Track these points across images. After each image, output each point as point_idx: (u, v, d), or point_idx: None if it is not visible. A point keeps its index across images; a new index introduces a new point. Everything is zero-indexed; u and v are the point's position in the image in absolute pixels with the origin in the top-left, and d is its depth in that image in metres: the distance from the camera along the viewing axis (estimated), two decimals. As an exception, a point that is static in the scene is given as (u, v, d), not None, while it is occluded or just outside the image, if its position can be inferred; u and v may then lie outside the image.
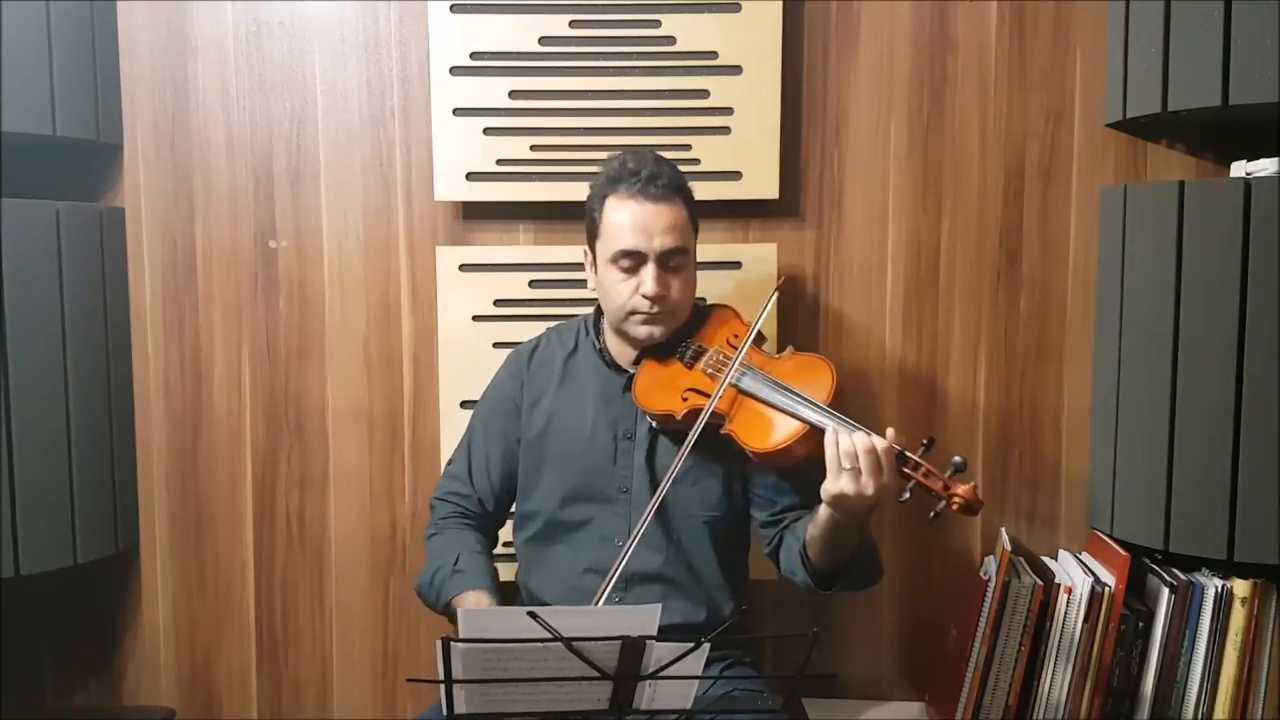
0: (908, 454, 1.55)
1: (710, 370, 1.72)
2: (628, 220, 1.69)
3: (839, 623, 2.18)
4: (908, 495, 1.55)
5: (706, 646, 1.29)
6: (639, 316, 1.72)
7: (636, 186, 1.69)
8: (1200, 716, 1.90)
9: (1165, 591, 1.92)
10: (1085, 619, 1.91)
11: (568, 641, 1.25)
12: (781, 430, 1.63)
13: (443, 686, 1.27)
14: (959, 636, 2.04)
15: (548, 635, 1.24)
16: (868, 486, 1.51)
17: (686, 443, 1.64)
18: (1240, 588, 1.89)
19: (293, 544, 2.24)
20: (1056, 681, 1.93)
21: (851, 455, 1.52)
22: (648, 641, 1.26)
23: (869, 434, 1.54)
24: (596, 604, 1.56)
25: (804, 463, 1.63)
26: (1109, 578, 1.94)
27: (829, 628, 2.15)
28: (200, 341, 2.21)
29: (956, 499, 1.52)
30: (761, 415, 1.66)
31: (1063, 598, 1.93)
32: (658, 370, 1.76)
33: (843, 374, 2.13)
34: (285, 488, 2.23)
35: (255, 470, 2.23)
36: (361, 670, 2.25)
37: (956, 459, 1.53)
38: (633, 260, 1.70)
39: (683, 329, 1.78)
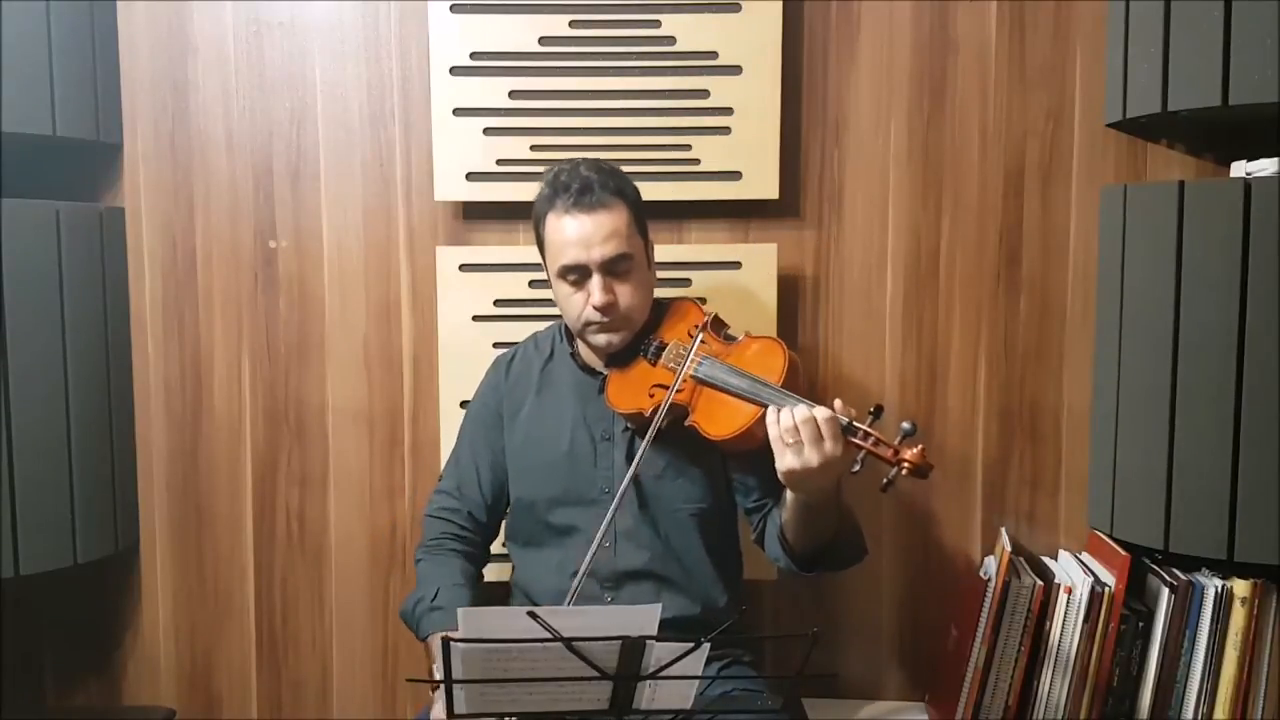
0: (856, 424, 1.55)
1: (671, 364, 1.73)
2: (567, 235, 1.69)
3: (839, 623, 2.18)
4: (859, 466, 1.54)
5: (706, 646, 1.29)
6: (594, 327, 1.73)
7: (570, 201, 1.69)
8: (1200, 716, 1.90)
9: (1165, 591, 1.92)
10: (1085, 619, 1.91)
11: (568, 641, 1.25)
12: (739, 415, 1.63)
13: (443, 686, 1.27)
14: (959, 636, 2.04)
15: (548, 635, 1.24)
16: (811, 458, 1.50)
17: (648, 437, 1.64)
18: (1240, 588, 1.89)
19: (293, 544, 2.24)
20: (1056, 681, 1.93)
21: (791, 429, 1.52)
22: (648, 641, 1.26)
23: (809, 406, 1.54)
24: (568, 603, 1.56)
25: (770, 445, 1.63)
26: (1109, 578, 1.94)
27: (829, 628, 2.15)
28: (200, 341, 2.21)
29: (905, 464, 1.52)
30: (720, 402, 1.66)
31: (1063, 598, 1.93)
32: (626, 371, 1.77)
33: (842, 372, 2.14)
34: (285, 488, 2.23)
35: (255, 470, 2.23)
36: (361, 670, 2.25)
37: (905, 424, 1.52)
38: (578, 274, 1.70)
39: (645, 328, 1.78)
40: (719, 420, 1.65)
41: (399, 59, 2.14)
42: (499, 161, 2.07)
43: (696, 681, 1.33)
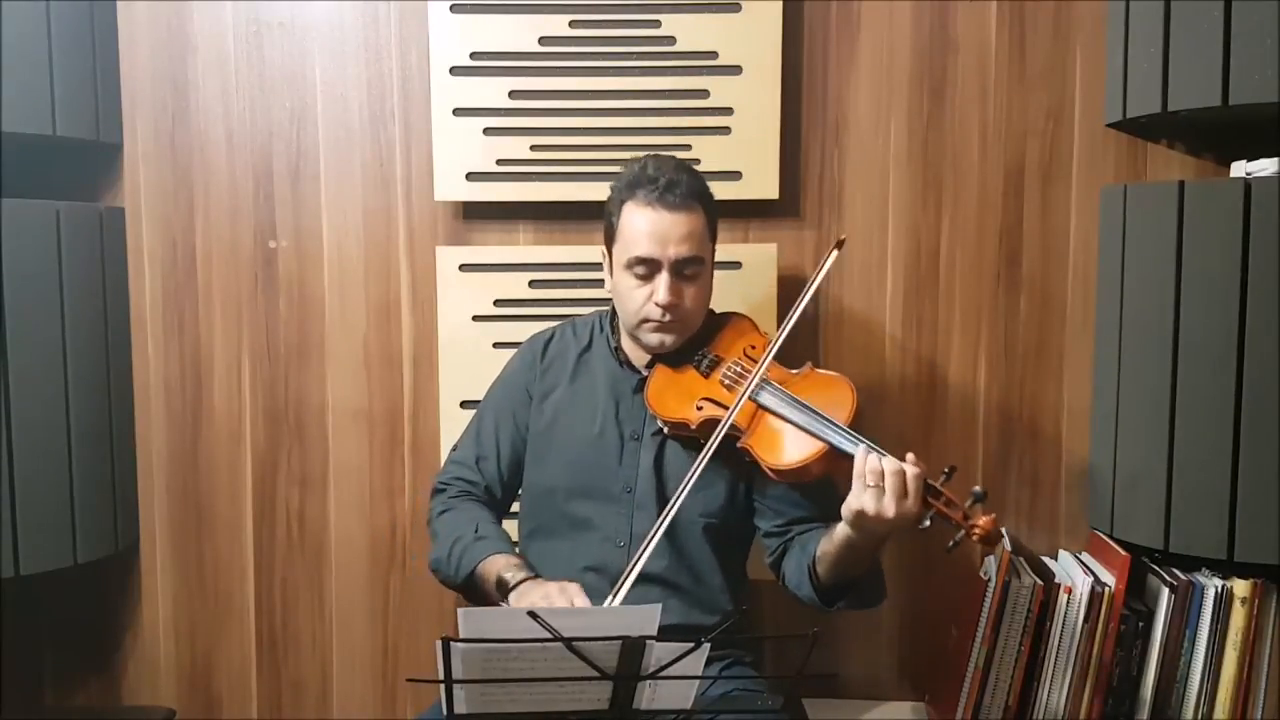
0: (929, 482, 1.54)
1: (727, 381, 1.71)
2: (644, 227, 1.68)
3: (839, 623, 2.17)
4: (928, 523, 1.54)
5: (706, 646, 1.29)
6: (651, 324, 1.71)
7: (655, 194, 1.68)
8: (1200, 716, 1.90)
9: (1165, 591, 1.92)
10: (1085, 619, 1.91)
11: (568, 641, 1.25)
12: (801, 449, 1.61)
13: (442, 686, 1.27)
14: (959, 636, 2.04)
15: (548, 635, 1.24)
16: (889, 508, 1.50)
17: (702, 456, 1.62)
18: (1240, 588, 1.89)
19: (293, 544, 2.24)
20: (1056, 681, 1.93)
21: (878, 473, 1.51)
22: (648, 642, 1.26)
23: (896, 460, 1.53)
24: (621, 584, 1.54)
25: (818, 480, 1.63)
26: (1109, 578, 1.94)
27: (829, 628, 2.15)
28: (200, 341, 2.21)
29: (976, 530, 1.52)
30: (780, 432, 1.64)
31: (1063, 598, 1.93)
32: (672, 375, 1.75)
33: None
34: (285, 488, 2.23)
35: (255, 470, 2.23)
36: (361, 670, 2.25)
37: (976, 489, 1.53)
38: (647, 268, 1.69)
39: (697, 336, 1.77)
40: (778, 450, 1.63)
41: (399, 59, 2.15)
42: (499, 161, 2.07)
43: (696, 681, 1.33)
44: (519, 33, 2.05)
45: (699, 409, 1.69)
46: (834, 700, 2.15)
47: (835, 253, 1.74)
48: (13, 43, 1.92)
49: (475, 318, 2.11)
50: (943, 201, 2.12)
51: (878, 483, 1.51)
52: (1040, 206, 2.11)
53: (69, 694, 2.28)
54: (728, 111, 2.05)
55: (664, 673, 1.29)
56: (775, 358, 1.73)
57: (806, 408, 1.64)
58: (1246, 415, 1.81)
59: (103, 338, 2.11)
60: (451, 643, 1.24)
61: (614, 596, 1.55)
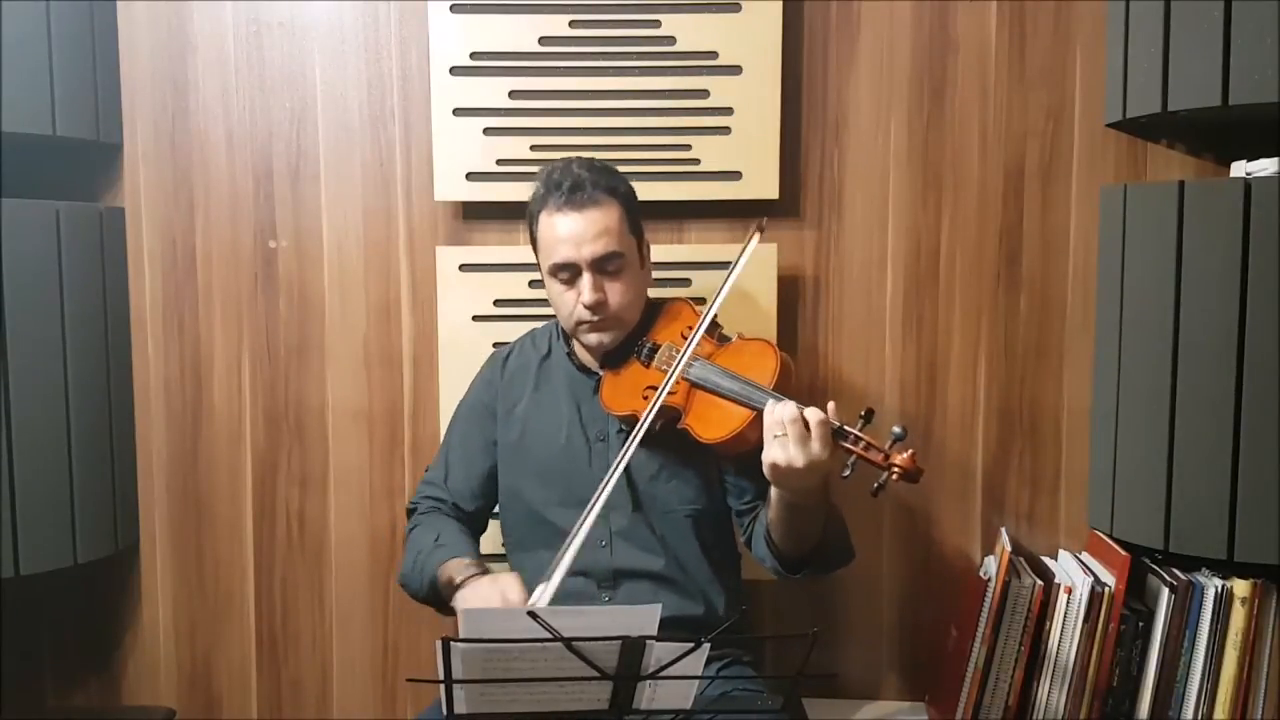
0: (846, 428, 1.55)
1: (663, 366, 1.73)
2: (557, 233, 1.70)
3: (839, 623, 2.18)
4: (848, 472, 1.54)
5: (706, 646, 1.29)
6: (585, 326, 1.73)
7: (562, 199, 1.69)
8: (1200, 716, 1.90)
9: (1165, 591, 1.92)
10: (1085, 619, 1.91)
11: (568, 641, 1.25)
12: (732, 418, 1.63)
13: (442, 686, 1.27)
14: (959, 636, 2.04)
15: (548, 635, 1.25)
16: (797, 455, 1.50)
17: (632, 438, 1.63)
18: (1240, 588, 1.89)
19: (293, 544, 2.24)
20: (1056, 681, 1.93)
21: (780, 423, 1.52)
22: (648, 642, 1.26)
23: (799, 407, 1.54)
24: (551, 573, 1.56)
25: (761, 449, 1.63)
26: (1109, 578, 1.94)
27: (829, 628, 2.15)
28: (200, 341, 2.21)
29: (895, 469, 1.52)
30: (714, 405, 1.66)
31: (1063, 598, 1.93)
32: (620, 372, 1.77)
33: (842, 372, 2.14)
34: (285, 488, 2.23)
35: (255, 470, 2.23)
36: (361, 670, 2.25)
37: (895, 429, 1.52)
38: (569, 272, 1.70)
39: (638, 329, 1.78)
40: (712, 423, 1.65)
41: (399, 59, 2.14)
42: (499, 161, 2.07)
43: (696, 681, 1.33)
44: (519, 33, 2.05)
45: (644, 398, 1.70)
46: (834, 700, 2.15)
47: (757, 236, 1.75)
48: (13, 43, 1.92)
49: (475, 318, 2.11)
50: (943, 201, 2.12)
51: (783, 432, 1.51)
52: (1040, 206, 2.11)
53: (69, 694, 2.28)
54: (728, 111, 2.05)
55: (664, 673, 1.29)
56: (712, 333, 1.74)
57: (731, 376, 1.65)
58: (1246, 415, 1.81)
59: (103, 338, 2.11)
60: (451, 643, 1.25)
61: (544, 586, 1.56)
